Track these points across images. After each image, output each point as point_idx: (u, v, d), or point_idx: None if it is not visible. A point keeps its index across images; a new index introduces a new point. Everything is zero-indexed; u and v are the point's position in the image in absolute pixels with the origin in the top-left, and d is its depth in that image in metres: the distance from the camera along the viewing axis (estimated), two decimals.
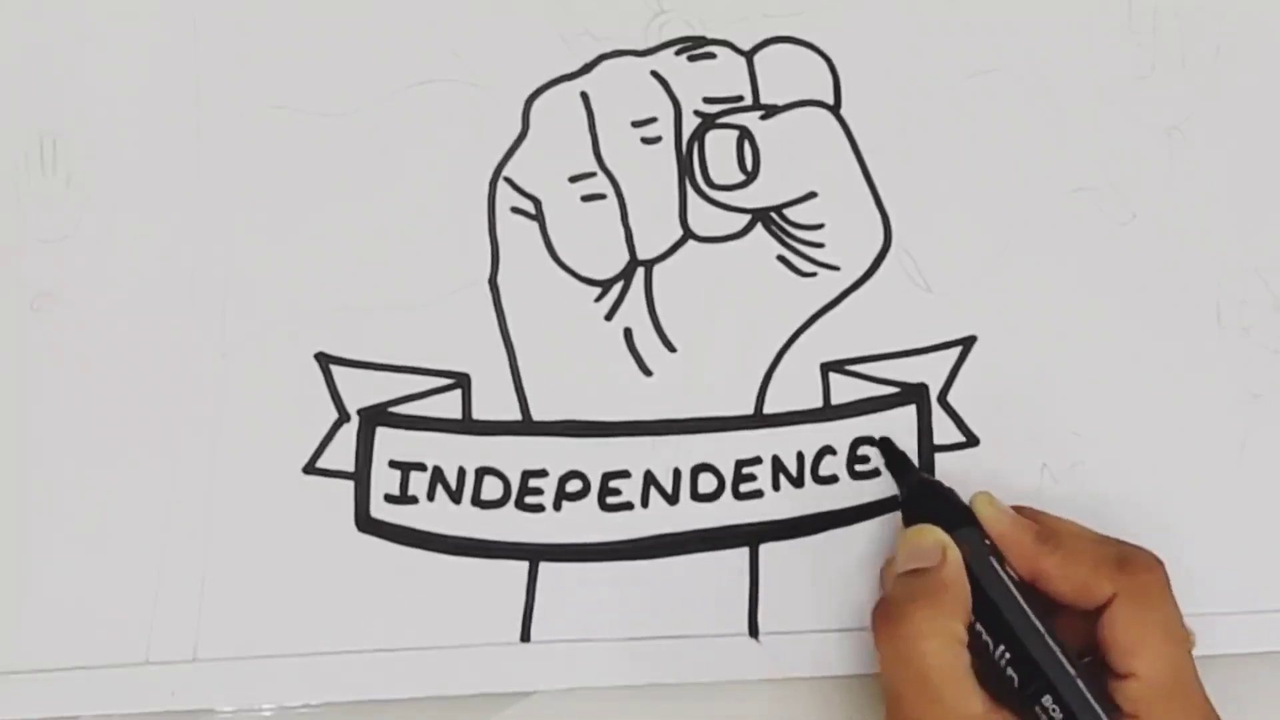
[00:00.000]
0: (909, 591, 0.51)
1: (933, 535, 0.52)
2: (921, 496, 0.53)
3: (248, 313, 0.53)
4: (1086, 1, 0.57)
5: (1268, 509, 0.57)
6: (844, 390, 0.56)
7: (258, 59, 0.54)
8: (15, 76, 0.53)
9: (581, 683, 0.51)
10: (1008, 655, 0.50)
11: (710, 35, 0.57)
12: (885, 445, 0.55)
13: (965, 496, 0.54)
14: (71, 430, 0.53)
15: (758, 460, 0.55)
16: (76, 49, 0.54)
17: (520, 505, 0.54)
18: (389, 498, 0.54)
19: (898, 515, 0.55)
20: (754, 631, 0.54)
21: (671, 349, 0.54)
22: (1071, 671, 0.50)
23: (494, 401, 0.54)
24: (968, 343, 0.56)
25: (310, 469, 0.54)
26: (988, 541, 0.50)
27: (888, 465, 0.55)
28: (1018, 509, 0.52)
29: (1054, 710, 0.49)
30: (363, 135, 0.54)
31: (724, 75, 0.56)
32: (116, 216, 0.53)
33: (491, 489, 0.54)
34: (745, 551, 0.54)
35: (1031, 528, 0.52)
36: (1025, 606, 0.51)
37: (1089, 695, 0.49)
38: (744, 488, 0.55)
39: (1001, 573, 0.50)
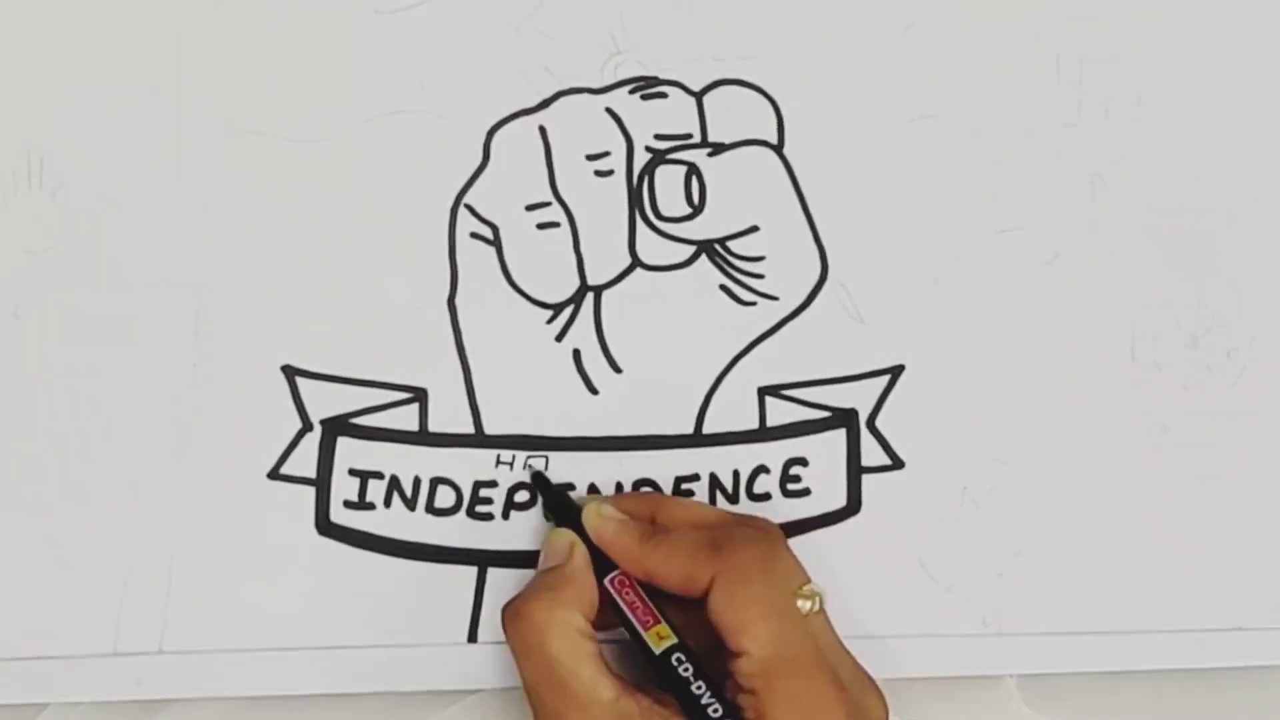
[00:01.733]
0: (533, 587, 0.53)
1: (566, 536, 0.54)
2: (559, 507, 0.55)
3: (219, 325, 0.54)
4: (1017, 53, 0.59)
5: (1174, 535, 0.59)
6: (779, 413, 0.58)
7: (236, 86, 0.55)
8: (5, 94, 0.55)
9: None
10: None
11: (662, 76, 0.57)
12: (534, 477, 0.56)
13: (891, 519, 0.57)
14: (49, 431, 0.54)
15: (696, 477, 0.57)
16: (65, 70, 0.55)
17: (471, 514, 0.56)
18: (348, 503, 0.56)
19: (828, 530, 0.57)
20: None
21: (617, 370, 0.56)
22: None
23: (449, 415, 0.55)
24: (896, 371, 0.58)
25: (274, 475, 0.55)
26: None
27: (535, 485, 0.56)
28: (641, 499, 0.54)
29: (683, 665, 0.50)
30: (333, 161, 0.55)
31: (674, 114, 0.57)
32: (98, 230, 0.55)
33: (444, 498, 0.56)
34: None
35: (637, 529, 0.53)
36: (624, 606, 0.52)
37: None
38: None
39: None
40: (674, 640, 0.50)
